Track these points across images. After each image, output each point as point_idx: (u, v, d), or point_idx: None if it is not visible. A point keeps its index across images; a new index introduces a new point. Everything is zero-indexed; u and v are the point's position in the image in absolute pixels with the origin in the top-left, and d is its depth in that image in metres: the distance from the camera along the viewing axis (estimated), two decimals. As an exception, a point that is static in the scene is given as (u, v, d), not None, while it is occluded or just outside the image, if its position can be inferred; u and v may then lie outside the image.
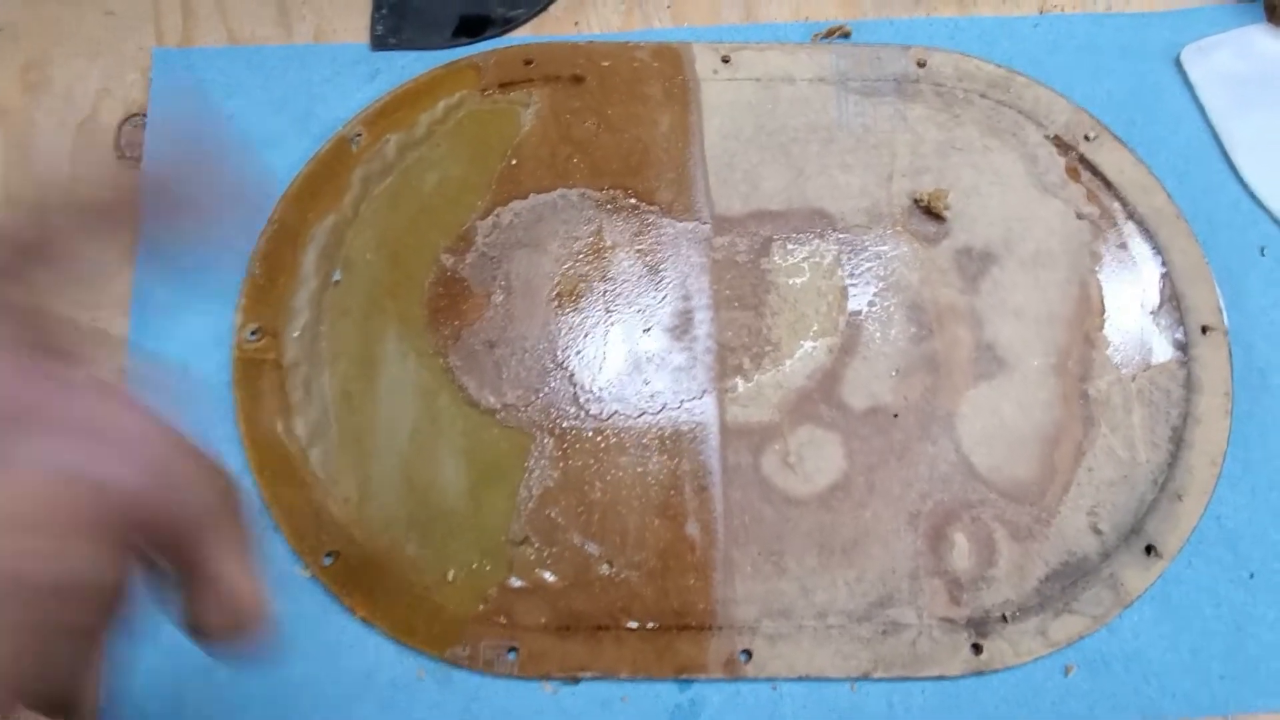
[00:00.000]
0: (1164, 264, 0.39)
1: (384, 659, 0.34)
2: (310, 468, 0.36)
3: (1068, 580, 0.35)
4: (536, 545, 0.35)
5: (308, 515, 0.35)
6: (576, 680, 0.34)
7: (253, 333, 0.37)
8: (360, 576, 0.35)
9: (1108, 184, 0.40)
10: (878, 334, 0.38)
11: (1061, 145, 0.40)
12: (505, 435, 0.36)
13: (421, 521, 0.35)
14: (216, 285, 0.38)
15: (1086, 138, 0.40)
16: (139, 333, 0.37)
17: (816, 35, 0.42)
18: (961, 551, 0.35)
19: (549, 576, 0.35)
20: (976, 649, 0.34)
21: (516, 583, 0.35)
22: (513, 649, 0.34)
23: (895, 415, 0.37)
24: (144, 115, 0.40)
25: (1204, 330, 0.38)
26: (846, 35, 0.42)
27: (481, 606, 0.34)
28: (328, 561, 0.35)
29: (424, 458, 0.36)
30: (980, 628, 0.34)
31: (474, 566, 0.35)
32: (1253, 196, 0.40)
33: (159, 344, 0.37)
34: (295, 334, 0.37)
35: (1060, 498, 0.36)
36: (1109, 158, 0.40)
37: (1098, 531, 0.36)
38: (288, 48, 0.41)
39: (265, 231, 0.38)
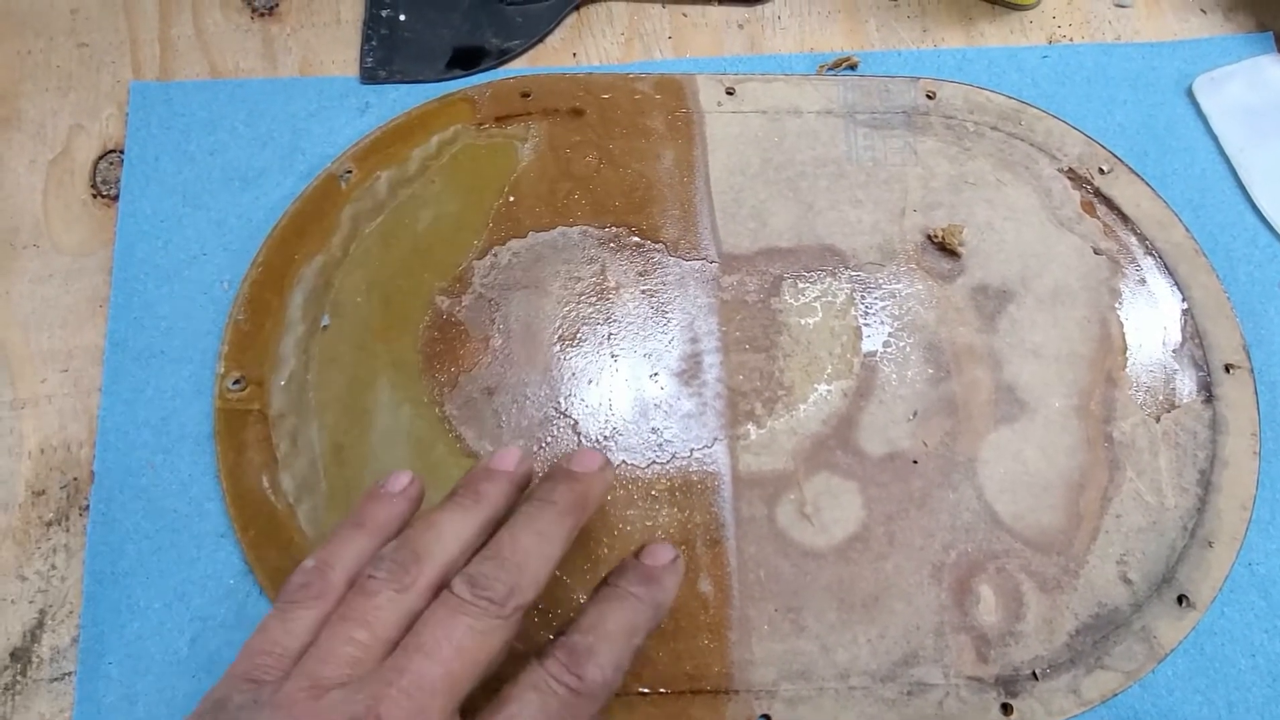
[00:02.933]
0: (1184, 300, 0.38)
1: (378, 733, 0.32)
2: (298, 525, 0.33)
3: (1099, 634, 0.33)
4: (540, 605, 0.33)
5: (295, 577, 0.33)
6: (585, 752, 0.32)
7: (235, 382, 0.35)
8: (352, 643, 0.32)
9: (1124, 218, 0.39)
10: (894, 376, 0.36)
11: (1076, 179, 0.39)
12: (506, 488, 0.34)
13: (418, 582, 0.33)
14: (197, 331, 0.36)
15: (1101, 170, 0.39)
16: (113, 382, 0.35)
17: (823, 66, 0.41)
18: (988, 605, 0.34)
19: (554, 639, 0.32)
20: (1006, 709, 0.32)
21: (519, 646, 0.32)
22: (517, 719, 0.32)
23: (914, 461, 0.35)
24: (121, 152, 0.38)
25: (1228, 368, 0.37)
26: (853, 67, 0.41)
27: (483, 673, 0.32)
28: (317, 627, 0.32)
29: (420, 513, 0.34)
30: (1010, 686, 0.33)
31: (474, 630, 0.32)
32: (1271, 230, 0.39)
33: (135, 393, 0.35)
34: (281, 383, 0.35)
35: (1088, 546, 0.34)
36: (1125, 191, 0.39)
37: (1128, 581, 0.34)
38: (273, 81, 0.40)
39: (249, 275, 0.36)
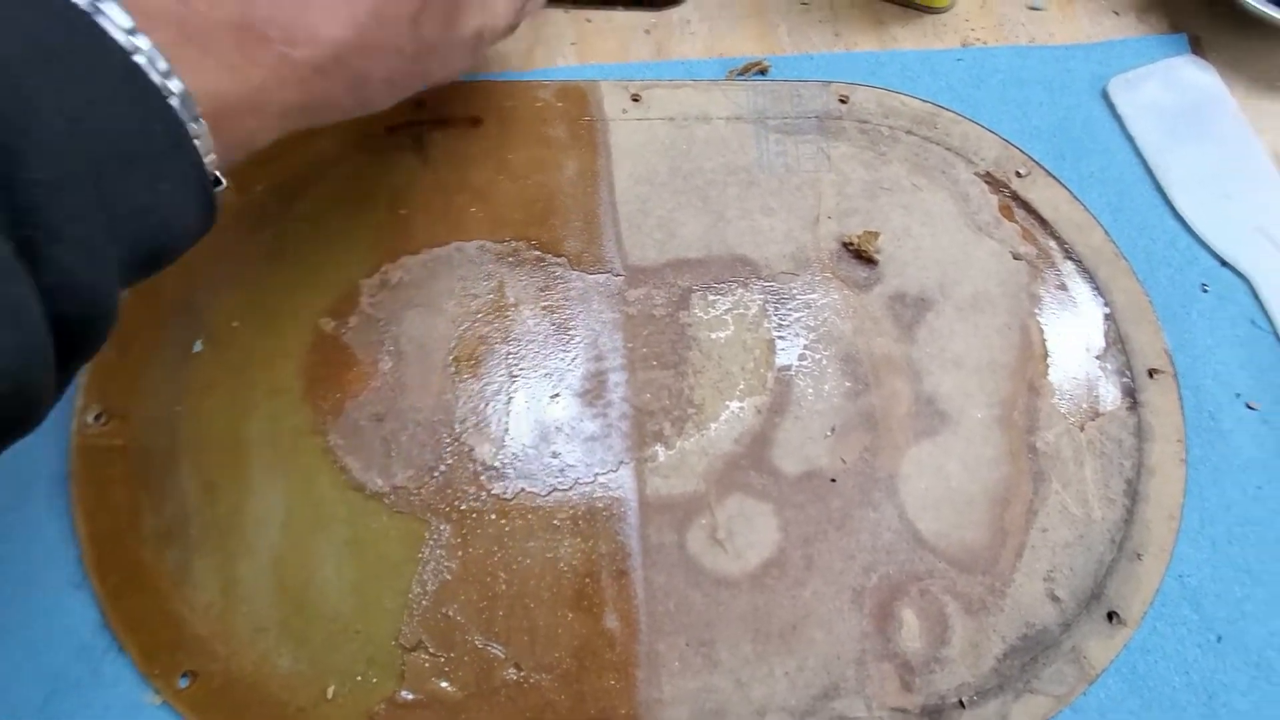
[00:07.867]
0: (1106, 305, 0.37)
1: (251, 799, 0.29)
2: (164, 571, 0.30)
3: (1027, 656, 0.32)
4: (432, 650, 0.30)
5: (160, 628, 0.30)
6: (481, 809, 0.29)
7: (96, 416, 0.32)
8: (223, 699, 0.29)
9: (1042, 222, 0.38)
10: (810, 390, 0.34)
11: (993, 182, 0.38)
12: (395, 523, 0.31)
13: (297, 629, 0.30)
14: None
15: (1018, 174, 0.38)
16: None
17: (732, 72, 0.39)
18: (911, 630, 0.32)
19: (446, 686, 0.30)
20: (933, 741, 0.31)
21: (408, 695, 0.30)
22: (406, 776, 0.29)
23: (832, 480, 0.33)
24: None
25: (1151, 373, 0.36)
26: (764, 71, 0.39)
27: (368, 727, 0.29)
28: (184, 683, 0.29)
29: (300, 553, 0.31)
30: (936, 716, 0.31)
31: (358, 679, 0.30)
32: (1190, 232, 0.38)
33: (-15, 432, 0.32)
34: (148, 416, 0.32)
35: (1014, 564, 0.33)
36: (1042, 194, 0.38)
37: (1056, 599, 0.32)
38: (146, 91, 0.37)
39: (113, 298, 0.33)
